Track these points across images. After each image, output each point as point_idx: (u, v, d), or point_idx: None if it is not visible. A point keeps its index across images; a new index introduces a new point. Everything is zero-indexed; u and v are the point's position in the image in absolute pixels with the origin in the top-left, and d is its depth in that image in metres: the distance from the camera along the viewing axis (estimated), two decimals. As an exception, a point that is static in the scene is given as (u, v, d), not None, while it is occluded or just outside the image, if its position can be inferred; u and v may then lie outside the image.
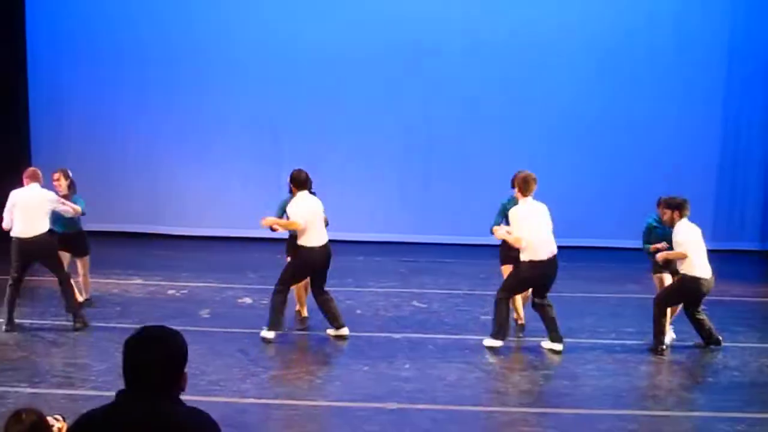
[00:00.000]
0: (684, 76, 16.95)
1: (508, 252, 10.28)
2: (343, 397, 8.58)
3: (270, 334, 10.10)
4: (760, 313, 12.74)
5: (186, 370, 3.49)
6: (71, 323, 10.56)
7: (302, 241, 10.07)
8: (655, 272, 10.65)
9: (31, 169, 10.89)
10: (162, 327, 3.57)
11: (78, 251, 11.58)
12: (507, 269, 10.37)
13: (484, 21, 16.94)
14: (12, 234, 10.32)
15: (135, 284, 13.22)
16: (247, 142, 17.29)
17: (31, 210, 10.31)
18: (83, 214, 11.25)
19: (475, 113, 17.05)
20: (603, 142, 17.03)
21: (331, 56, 16.97)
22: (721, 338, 10.09)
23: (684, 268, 9.76)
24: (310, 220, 10.03)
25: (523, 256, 9.70)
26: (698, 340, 10.16)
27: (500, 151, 16.68)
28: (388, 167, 17.25)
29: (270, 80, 17.12)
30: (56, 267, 10.61)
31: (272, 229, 10.46)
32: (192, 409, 3.58)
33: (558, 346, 9.89)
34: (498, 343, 9.90)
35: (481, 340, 10.21)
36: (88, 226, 16.78)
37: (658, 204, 10.42)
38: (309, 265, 10.22)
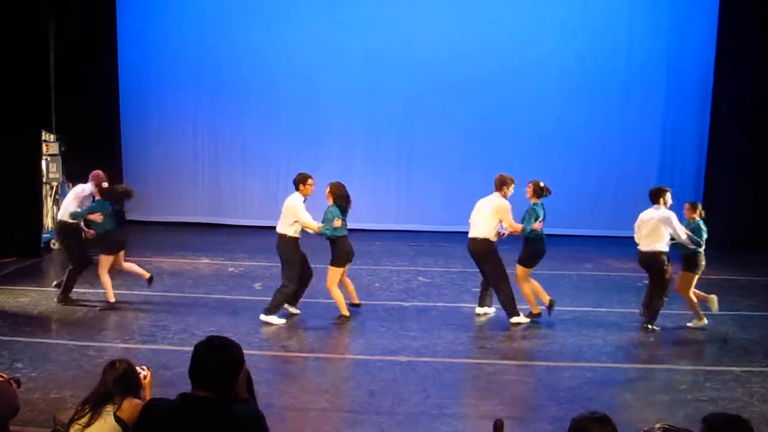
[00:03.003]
0: (629, 92, 16.87)
1: None
2: (365, 352, 8.57)
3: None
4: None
5: (242, 375, 3.52)
6: (154, 293, 10.61)
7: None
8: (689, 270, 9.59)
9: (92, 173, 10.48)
10: (224, 338, 3.56)
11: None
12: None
13: (482, 22, 16.70)
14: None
15: (203, 263, 13.23)
16: (286, 147, 17.24)
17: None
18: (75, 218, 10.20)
19: (473, 117, 16.91)
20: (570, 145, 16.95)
21: (342, 59, 16.87)
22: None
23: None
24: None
25: None
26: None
27: (493, 152, 16.53)
28: (398, 168, 17.22)
29: (298, 104, 17.06)
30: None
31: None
32: (245, 407, 3.57)
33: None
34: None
35: (472, 307, 10.18)
36: (167, 217, 16.99)
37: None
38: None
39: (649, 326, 9.43)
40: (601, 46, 16.76)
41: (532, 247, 9.64)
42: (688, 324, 9.62)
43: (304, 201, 9.64)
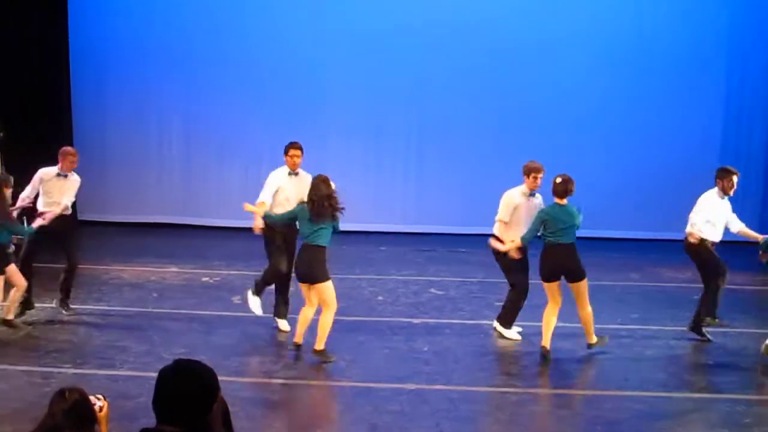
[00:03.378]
0: (687, 76, 16.84)
1: None
2: (366, 378, 8.58)
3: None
4: (758, 300, 12.67)
5: (216, 406, 3.44)
6: (112, 308, 10.63)
7: None
8: None
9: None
10: (195, 362, 3.52)
11: None
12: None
13: (501, 15, 16.68)
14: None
15: (171, 272, 13.25)
16: (269, 141, 17.27)
17: None
18: None
19: (490, 110, 16.93)
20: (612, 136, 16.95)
21: (339, 27, 16.85)
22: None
23: None
24: None
25: None
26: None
27: (511, 145, 16.56)
28: (407, 163, 17.23)
29: (289, 80, 17.02)
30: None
31: None
32: None
33: None
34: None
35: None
36: (128, 217, 16.99)
37: None
38: None
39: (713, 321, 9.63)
40: (648, 16, 16.75)
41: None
42: None
43: (289, 174, 9.78)
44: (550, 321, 9.27)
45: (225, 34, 17.00)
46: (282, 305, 10.00)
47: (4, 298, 9.86)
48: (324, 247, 8.80)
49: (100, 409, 4.85)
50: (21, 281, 9.78)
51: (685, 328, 10.05)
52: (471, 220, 15.40)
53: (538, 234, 9.29)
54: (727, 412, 7.87)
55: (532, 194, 9.76)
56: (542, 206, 9.55)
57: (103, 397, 4.94)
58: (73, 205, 10.82)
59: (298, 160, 9.93)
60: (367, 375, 8.68)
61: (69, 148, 10.71)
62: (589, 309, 9.25)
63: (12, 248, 9.86)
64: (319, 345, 8.78)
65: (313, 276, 8.76)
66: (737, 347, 9.70)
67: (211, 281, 12.63)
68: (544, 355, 9.14)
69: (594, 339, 9.32)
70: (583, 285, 9.24)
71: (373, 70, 16.88)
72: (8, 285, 9.79)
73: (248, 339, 9.44)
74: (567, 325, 9.70)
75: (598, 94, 16.86)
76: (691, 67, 16.85)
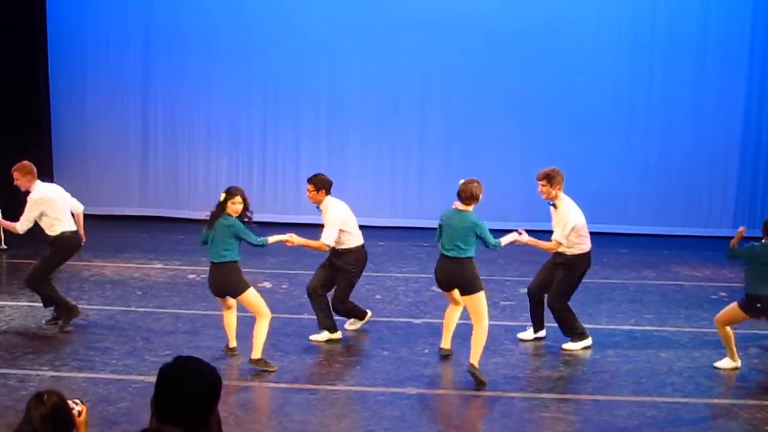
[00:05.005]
0: (706, 70, 16.83)
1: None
2: (363, 382, 8.60)
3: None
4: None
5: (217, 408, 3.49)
6: (92, 306, 10.63)
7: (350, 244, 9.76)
8: None
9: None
10: (197, 360, 3.55)
11: None
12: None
13: (507, 13, 16.77)
14: (64, 230, 9.81)
15: (155, 268, 13.27)
16: (257, 131, 17.30)
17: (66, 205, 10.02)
18: None
19: (493, 106, 16.96)
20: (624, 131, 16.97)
21: (349, 49, 16.91)
22: None
23: None
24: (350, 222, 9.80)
25: None
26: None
27: (514, 142, 16.64)
28: (408, 154, 17.25)
29: (281, 71, 17.08)
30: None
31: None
32: None
33: None
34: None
35: (502, 326, 10.19)
36: (108, 210, 16.99)
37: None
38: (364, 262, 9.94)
39: None
40: (668, 14, 16.75)
41: None
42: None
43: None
44: (449, 322, 9.31)
45: (214, 15, 17.01)
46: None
47: None
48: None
49: (79, 413, 4.84)
50: None
51: (705, 329, 10.05)
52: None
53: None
54: (748, 420, 7.87)
55: (550, 204, 9.60)
56: (567, 214, 9.33)
57: (81, 401, 4.93)
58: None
59: (308, 195, 9.76)
60: (364, 379, 8.71)
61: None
62: (482, 326, 8.65)
63: None
64: (256, 354, 8.74)
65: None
66: (760, 351, 9.69)
67: (198, 278, 12.62)
68: (445, 356, 9.20)
69: (475, 363, 8.47)
70: (476, 299, 8.70)
71: (373, 65, 16.98)
72: None
73: (238, 340, 9.41)
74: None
75: (611, 89, 16.91)
76: (710, 61, 16.87)
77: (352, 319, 10.21)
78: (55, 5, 16.99)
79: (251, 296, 8.82)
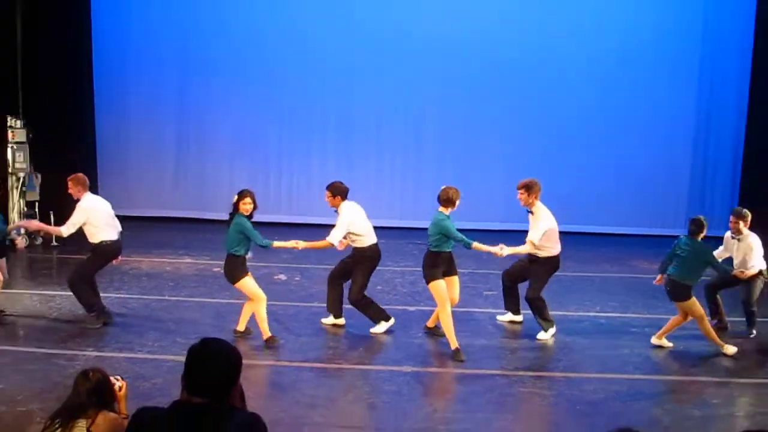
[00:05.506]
0: (660, 81, 16.82)
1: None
2: (365, 361, 8.61)
3: (381, 327, 9.58)
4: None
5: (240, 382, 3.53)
6: (131, 296, 10.61)
7: (363, 243, 9.65)
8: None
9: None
10: (221, 342, 3.58)
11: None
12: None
13: (497, 25, 16.72)
14: (103, 239, 9.60)
15: (185, 263, 13.26)
16: (275, 141, 17.27)
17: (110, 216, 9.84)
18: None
19: (480, 124, 16.93)
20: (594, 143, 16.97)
21: (355, 73, 16.90)
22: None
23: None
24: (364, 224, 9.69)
25: None
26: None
27: (498, 154, 16.63)
28: (406, 164, 17.23)
29: (303, 93, 17.06)
30: None
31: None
32: (245, 413, 3.59)
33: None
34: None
35: (485, 313, 10.18)
36: (144, 212, 16.97)
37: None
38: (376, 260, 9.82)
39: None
40: (629, 34, 16.70)
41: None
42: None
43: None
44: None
45: (238, 42, 17.02)
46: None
47: None
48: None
49: (120, 388, 4.87)
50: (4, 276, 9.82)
51: (660, 316, 10.07)
52: (464, 216, 15.40)
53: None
54: (697, 394, 7.88)
55: (528, 211, 9.54)
56: (541, 219, 9.31)
57: (121, 378, 4.95)
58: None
59: (327, 200, 9.62)
60: (365, 357, 8.71)
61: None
62: (443, 312, 8.77)
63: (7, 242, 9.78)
64: (265, 334, 8.93)
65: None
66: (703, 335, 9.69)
67: (222, 271, 12.59)
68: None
69: (452, 346, 8.70)
70: (432, 288, 8.84)
71: (373, 72, 16.90)
72: None
73: (255, 325, 9.41)
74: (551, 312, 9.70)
75: (579, 110, 16.92)
76: (664, 80, 16.84)
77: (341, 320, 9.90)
78: (99, 33, 16.97)
79: (246, 285, 9.05)
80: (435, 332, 9.43)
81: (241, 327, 9.25)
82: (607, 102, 16.88)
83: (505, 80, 16.78)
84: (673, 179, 16.98)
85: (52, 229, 9.99)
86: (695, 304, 8.90)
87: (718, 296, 10.09)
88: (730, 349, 9.01)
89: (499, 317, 10.15)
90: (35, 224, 10.59)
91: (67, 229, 9.48)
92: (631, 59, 16.69)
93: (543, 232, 9.30)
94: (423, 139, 17.21)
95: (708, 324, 9.10)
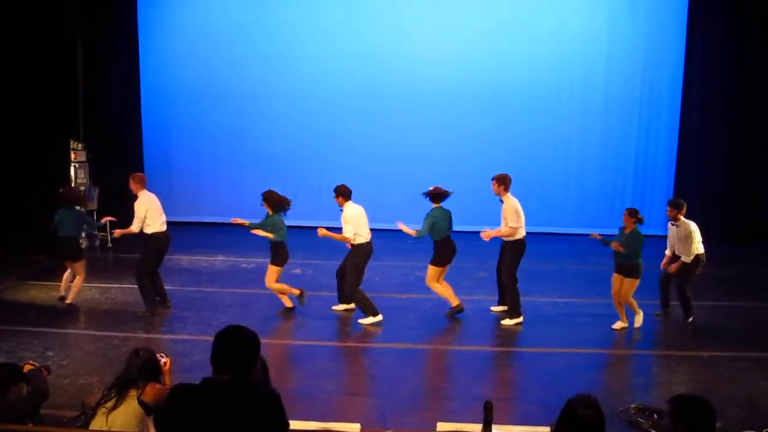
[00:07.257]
0: (608, 106, 16.79)
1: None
2: (365, 340, 8.62)
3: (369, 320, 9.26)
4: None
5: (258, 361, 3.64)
6: (173, 287, 10.62)
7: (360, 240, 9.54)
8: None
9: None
10: (241, 327, 3.61)
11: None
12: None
13: (478, 48, 16.43)
14: (154, 230, 9.47)
15: (218, 260, 13.25)
16: (295, 149, 17.16)
17: (160, 211, 9.72)
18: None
19: (462, 142, 16.83)
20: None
21: (356, 94, 16.73)
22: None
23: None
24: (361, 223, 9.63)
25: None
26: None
27: (487, 155, 16.45)
28: (398, 172, 17.07)
29: (317, 116, 16.88)
30: None
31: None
32: (263, 387, 3.62)
33: None
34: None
35: (467, 300, 10.19)
36: (184, 218, 16.93)
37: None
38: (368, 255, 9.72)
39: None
40: (585, 64, 16.64)
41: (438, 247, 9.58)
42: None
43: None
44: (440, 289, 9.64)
45: (264, 71, 16.87)
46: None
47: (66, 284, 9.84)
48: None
49: (165, 364, 4.89)
50: (83, 274, 9.79)
51: (610, 301, 10.08)
52: (456, 220, 15.41)
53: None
54: (641, 364, 7.92)
55: (500, 200, 9.52)
56: (511, 205, 9.33)
57: (166, 355, 4.97)
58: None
59: (335, 200, 9.65)
60: (365, 337, 8.72)
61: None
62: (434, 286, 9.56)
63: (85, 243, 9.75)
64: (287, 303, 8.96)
65: None
66: (647, 317, 9.69)
67: (249, 267, 12.63)
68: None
69: (455, 302, 9.57)
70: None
71: (371, 80, 16.66)
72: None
73: (276, 308, 9.45)
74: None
75: (543, 129, 16.74)
76: (610, 103, 16.78)
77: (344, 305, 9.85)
78: (147, 69, 16.94)
79: (270, 270, 9.58)
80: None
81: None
82: (563, 128, 16.73)
83: (485, 110, 16.60)
84: (620, 188, 16.89)
85: (123, 231, 9.60)
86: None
87: (669, 289, 9.71)
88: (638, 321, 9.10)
89: (493, 308, 10.08)
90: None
91: (135, 226, 9.40)
92: (586, 85, 16.58)
93: (516, 211, 9.27)
94: (416, 155, 17.08)
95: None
